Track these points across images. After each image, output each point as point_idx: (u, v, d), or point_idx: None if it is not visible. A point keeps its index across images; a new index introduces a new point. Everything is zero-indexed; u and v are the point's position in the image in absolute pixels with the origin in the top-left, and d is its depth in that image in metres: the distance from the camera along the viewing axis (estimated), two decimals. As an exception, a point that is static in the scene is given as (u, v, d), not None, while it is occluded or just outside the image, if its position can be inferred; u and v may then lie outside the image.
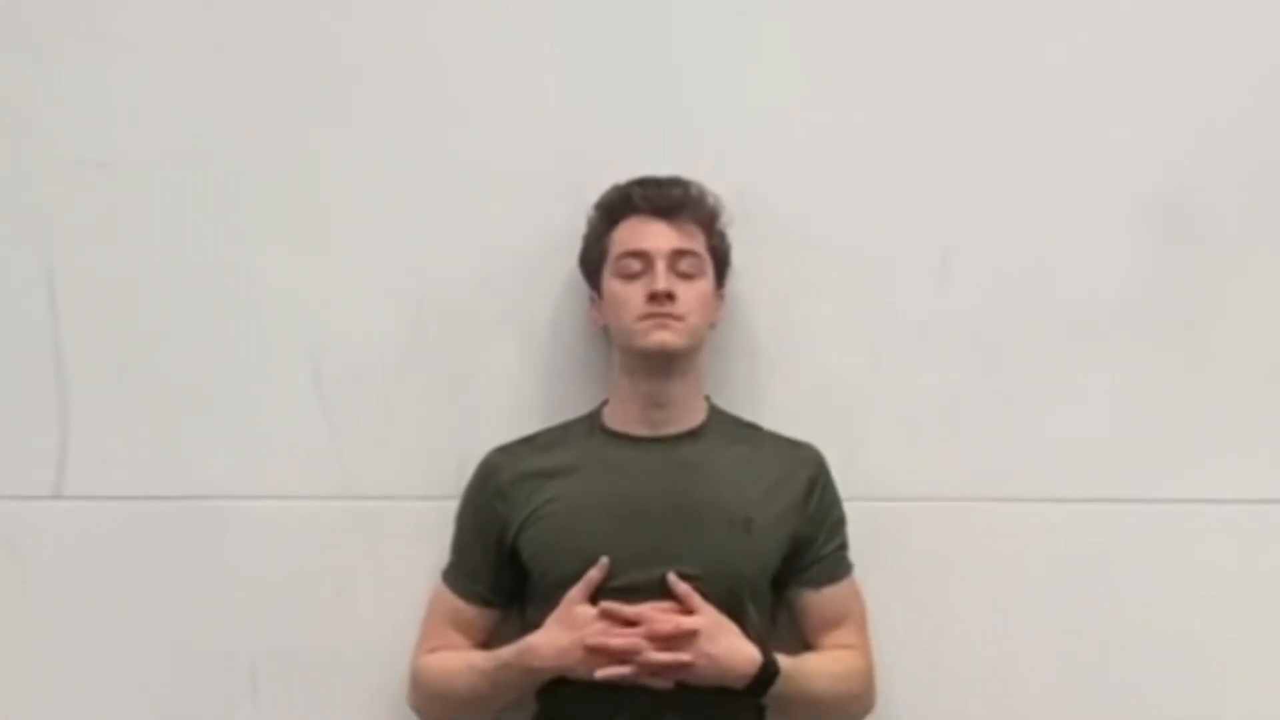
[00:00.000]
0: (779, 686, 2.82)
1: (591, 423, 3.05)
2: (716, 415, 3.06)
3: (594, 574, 2.79)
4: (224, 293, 3.22)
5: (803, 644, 2.98)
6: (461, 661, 2.98)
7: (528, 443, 3.06)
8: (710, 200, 2.98)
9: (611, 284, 2.92)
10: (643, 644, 2.72)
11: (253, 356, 3.23)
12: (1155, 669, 3.20)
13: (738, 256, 3.07)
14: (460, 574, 3.03)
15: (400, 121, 3.22)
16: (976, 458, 3.21)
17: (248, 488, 3.21)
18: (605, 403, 3.05)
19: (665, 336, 2.83)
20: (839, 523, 3.04)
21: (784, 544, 2.94)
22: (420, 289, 3.21)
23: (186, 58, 3.20)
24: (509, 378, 3.22)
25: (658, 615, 2.75)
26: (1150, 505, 3.19)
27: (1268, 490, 3.18)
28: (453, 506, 3.07)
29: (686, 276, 2.90)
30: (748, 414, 3.12)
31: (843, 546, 3.04)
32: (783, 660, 2.82)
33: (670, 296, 2.84)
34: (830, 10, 3.23)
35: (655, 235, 2.91)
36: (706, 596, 2.80)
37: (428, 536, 3.13)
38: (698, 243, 2.94)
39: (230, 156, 3.20)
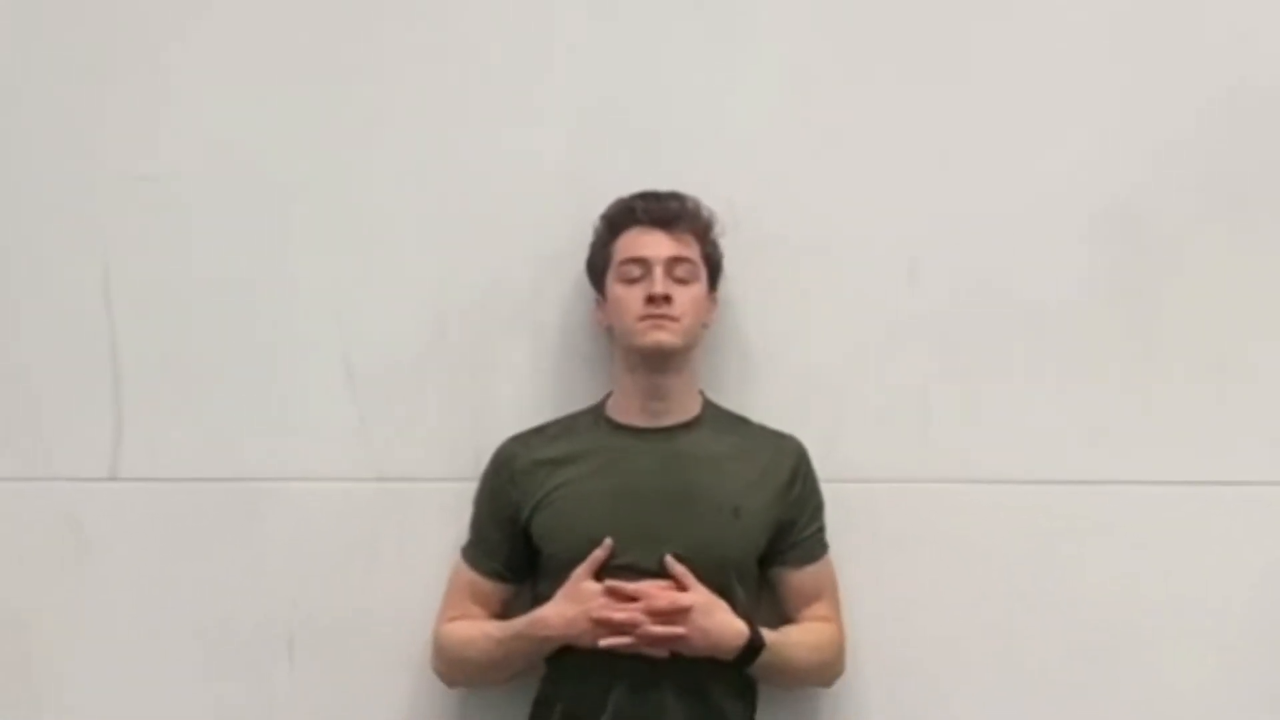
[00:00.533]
0: (763, 658, 2.85)
1: (596, 414, 3.06)
2: (710, 408, 3.07)
3: (599, 554, 2.83)
4: (264, 294, 3.22)
5: (781, 615, 3.02)
6: (479, 630, 2.99)
7: (538, 433, 3.07)
8: (704, 212, 2.98)
9: (614, 288, 2.93)
10: (642, 618, 2.75)
11: (290, 351, 3.22)
12: (1107, 636, 3.20)
13: (729, 262, 3.08)
14: (478, 551, 3.04)
15: (424, 143, 3.22)
16: (943, 443, 3.20)
17: (285, 470, 3.22)
18: (609, 395, 3.07)
19: (662, 337, 2.85)
20: (818, 508, 3.06)
21: (768, 528, 2.97)
22: (442, 292, 3.21)
23: (231, 85, 3.21)
24: (521, 372, 3.22)
25: (656, 592, 2.79)
26: (1099, 486, 3.19)
27: (1207, 473, 3.17)
28: (471, 488, 3.08)
29: (682, 281, 2.92)
30: (737, 406, 3.13)
31: (820, 529, 3.06)
32: (767, 634, 2.86)
33: (667, 299, 2.85)
34: (809, 40, 3.24)
35: (654, 244, 2.92)
36: (698, 575, 2.83)
37: (448, 515, 3.13)
38: (692, 250, 2.95)
39: (270, 173, 3.20)
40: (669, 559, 2.82)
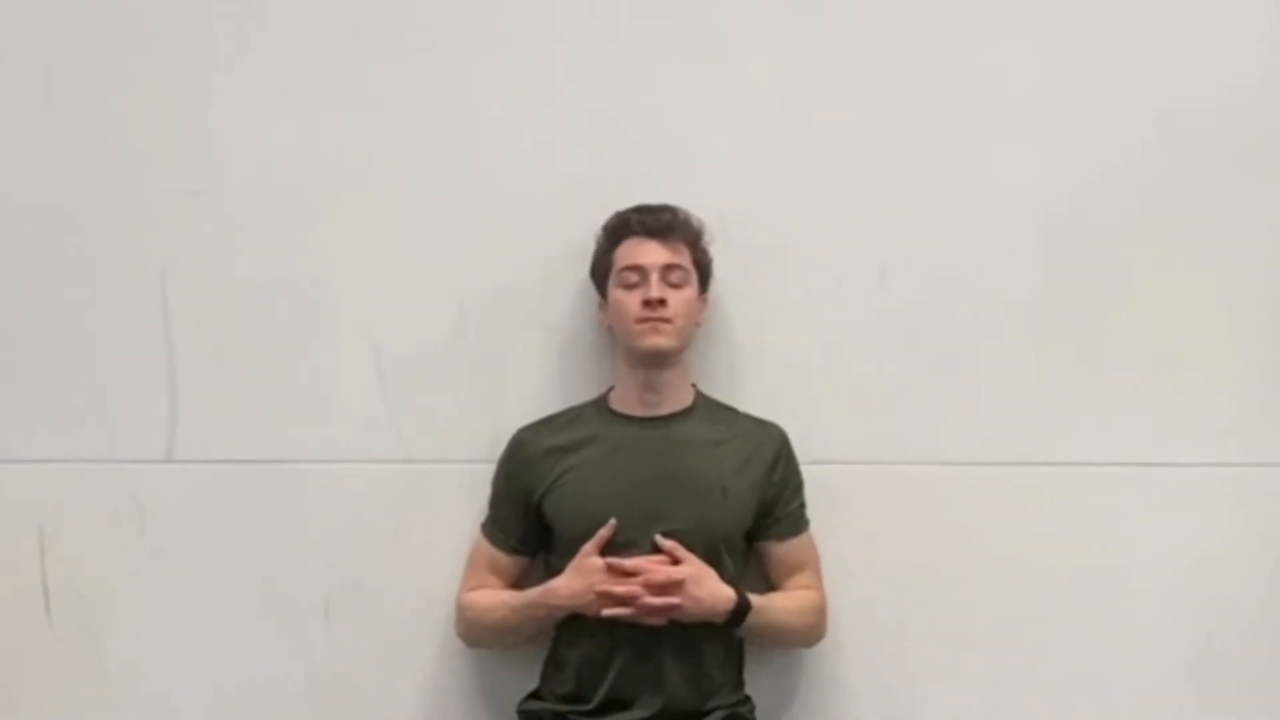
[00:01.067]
0: (750, 620, 2.90)
1: (599, 405, 3.10)
2: (701, 399, 3.10)
3: (603, 533, 2.87)
4: (302, 295, 3.23)
5: (768, 584, 3.06)
6: (496, 599, 3.04)
7: (548, 422, 3.10)
8: (694, 222, 3.02)
9: (615, 292, 2.96)
10: (640, 591, 2.81)
11: (326, 347, 3.23)
12: (1057, 601, 3.24)
13: (718, 267, 3.08)
14: (495, 528, 3.07)
15: (446, 160, 3.22)
16: (910, 429, 3.24)
17: (322, 453, 3.22)
18: (611, 388, 3.09)
19: (658, 340, 2.89)
20: (798, 488, 3.09)
21: (753, 507, 3.00)
22: (462, 293, 3.21)
23: (272, 111, 3.23)
24: (533, 365, 3.24)
25: (652, 567, 2.84)
26: (1049, 467, 3.23)
27: (1146, 455, 3.21)
28: (488, 469, 3.10)
29: (675, 286, 2.93)
30: (726, 396, 3.15)
31: (801, 506, 3.09)
32: (754, 599, 2.91)
33: (662, 303, 2.88)
34: (791, 69, 3.24)
35: (649, 253, 2.94)
36: (691, 549, 2.87)
37: (467, 493, 3.16)
38: (684, 258, 2.98)
39: (307, 188, 3.22)
40: (658, 538, 2.87)
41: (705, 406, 3.08)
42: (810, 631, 3.07)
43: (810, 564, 3.08)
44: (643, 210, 2.98)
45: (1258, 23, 3.16)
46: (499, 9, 3.19)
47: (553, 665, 3.00)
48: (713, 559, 2.88)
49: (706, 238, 3.03)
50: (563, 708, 2.94)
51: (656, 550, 2.85)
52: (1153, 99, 3.18)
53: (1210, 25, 3.18)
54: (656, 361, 2.93)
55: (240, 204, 3.19)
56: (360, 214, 3.20)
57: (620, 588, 2.79)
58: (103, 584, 3.19)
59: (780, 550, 3.04)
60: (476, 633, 3.08)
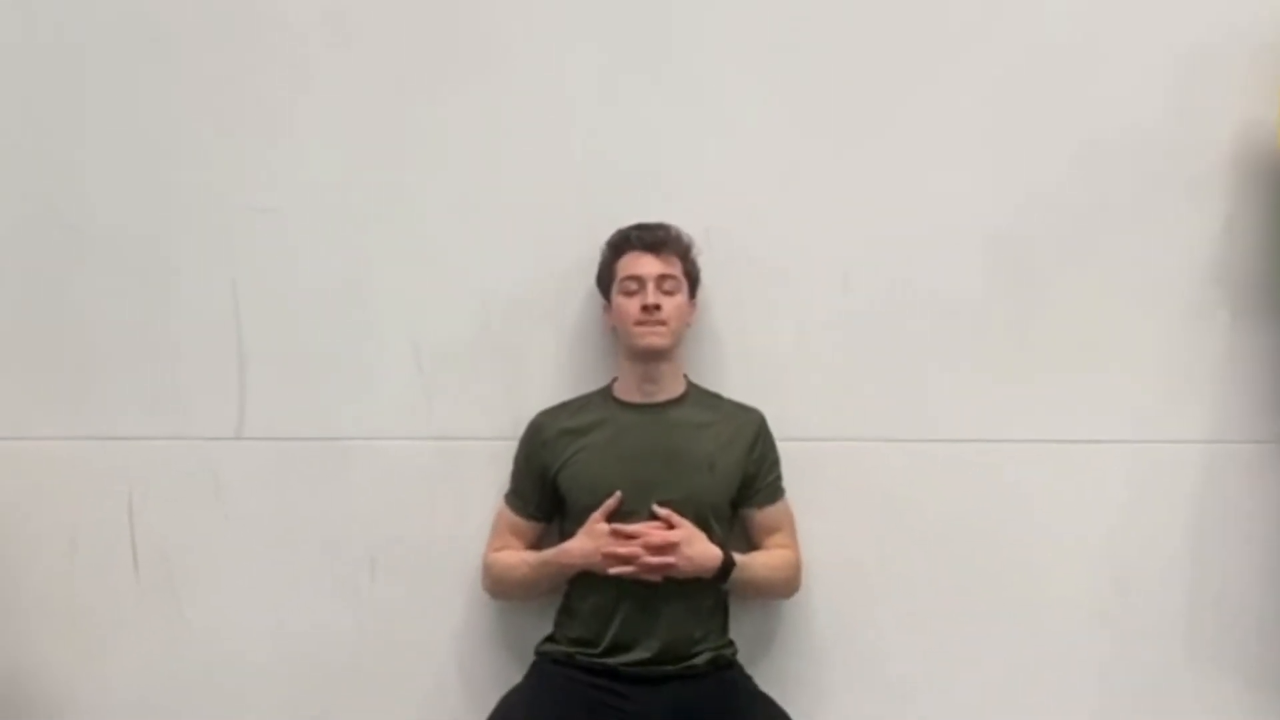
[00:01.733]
0: (735, 575, 2.97)
1: (605, 394, 3.14)
2: (692, 388, 3.16)
3: (610, 503, 2.94)
4: (352, 296, 3.27)
5: (750, 545, 3.12)
6: (518, 558, 3.10)
7: (563, 408, 3.15)
8: (684, 237, 3.08)
9: (617, 299, 3.02)
10: (641, 551, 2.86)
11: (371, 341, 3.27)
12: (995, 557, 3.28)
13: (705, 275, 3.13)
14: (516, 498, 3.14)
15: (475, 184, 3.25)
16: (869, 412, 3.27)
17: (368, 431, 3.27)
18: (614, 379, 3.15)
19: (654, 340, 2.96)
20: (775, 462, 3.15)
21: (737, 479, 3.06)
22: (487, 298, 3.25)
23: (328, 140, 3.25)
24: (548, 358, 3.26)
25: (651, 531, 2.90)
26: (989, 443, 3.26)
27: (1073, 433, 3.25)
28: (510, 446, 3.15)
29: (668, 293, 2.99)
30: (712, 385, 3.20)
31: (778, 478, 3.15)
32: (738, 557, 2.99)
33: (658, 308, 2.95)
34: (765, 109, 3.27)
35: (646, 264, 3.00)
36: (684, 516, 2.93)
37: (493, 467, 3.19)
38: (676, 269, 3.04)
39: (358, 206, 3.25)
40: (656, 507, 2.93)
41: (695, 394, 3.13)
42: (787, 585, 3.13)
43: (786, 527, 3.13)
44: (640, 228, 3.04)
45: (1160, 71, 3.20)
46: (519, 61, 3.23)
47: (565, 614, 3.05)
48: (702, 524, 2.94)
49: (695, 251, 3.08)
50: (574, 650, 2.97)
51: (654, 517, 2.91)
52: (1073, 133, 3.23)
53: (1121, 71, 3.22)
54: (653, 357, 3.00)
55: (300, 220, 3.23)
56: (401, 230, 3.23)
57: (624, 549, 2.86)
58: (182, 545, 3.24)
59: (760, 515, 3.10)
60: (501, 587, 3.14)
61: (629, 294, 2.98)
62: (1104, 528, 3.29)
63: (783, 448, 3.14)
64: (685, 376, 3.14)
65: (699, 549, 2.90)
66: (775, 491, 3.13)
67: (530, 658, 3.09)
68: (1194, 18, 3.20)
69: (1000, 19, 3.24)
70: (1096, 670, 3.30)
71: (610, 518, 2.93)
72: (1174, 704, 3.30)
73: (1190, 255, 3.25)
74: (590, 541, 2.92)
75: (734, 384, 3.21)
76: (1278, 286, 3.23)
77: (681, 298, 3.02)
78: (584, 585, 3.00)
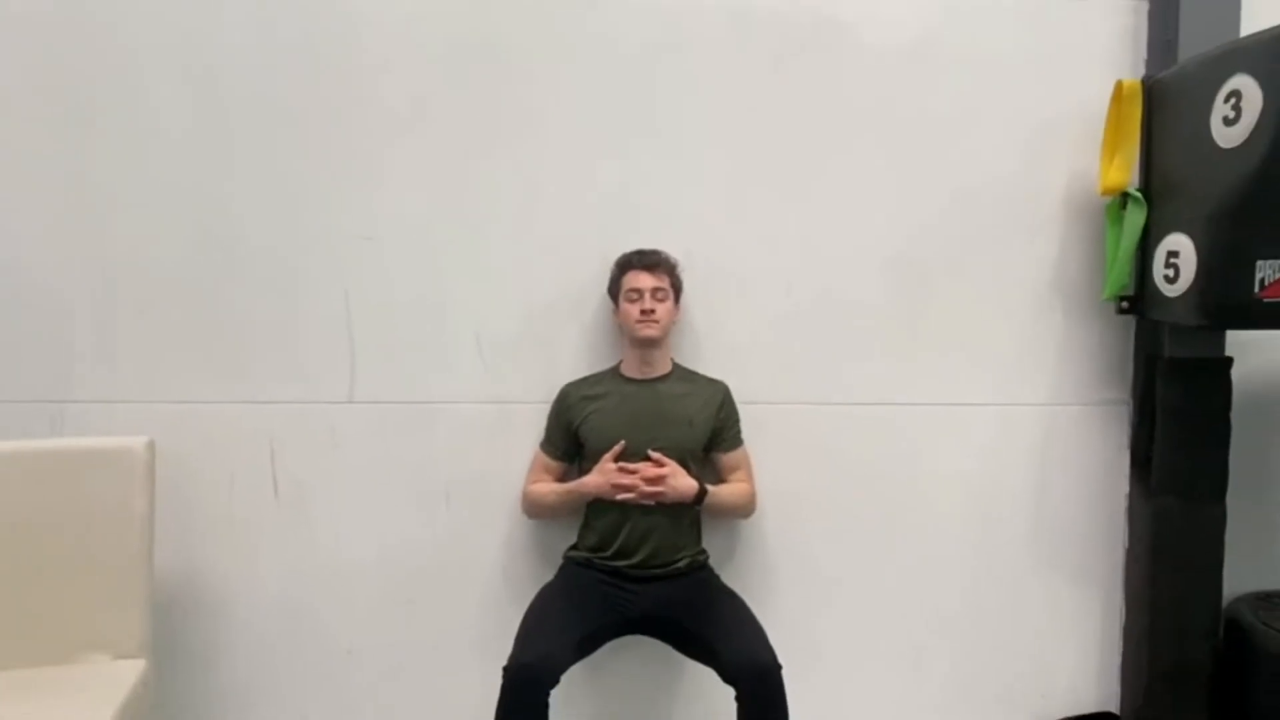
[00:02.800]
0: (707, 501, 3.15)
1: (614, 371, 3.31)
2: (676, 367, 3.34)
3: (616, 449, 3.11)
4: (432, 301, 3.34)
5: (718, 479, 3.28)
6: (549, 489, 3.26)
7: (583, 381, 3.31)
8: (671, 259, 3.24)
9: (623, 304, 3.20)
10: (639, 483, 3.04)
11: (447, 333, 3.36)
12: (901, 489, 3.47)
13: (686, 286, 3.29)
14: (549, 445, 3.31)
15: (521, 219, 3.29)
16: (804, 382, 3.41)
17: (444, 396, 3.38)
18: (621, 360, 3.30)
19: (649, 333, 3.15)
20: (736, 420, 3.33)
21: (708, 432, 3.24)
22: (529, 302, 3.37)
23: (416, 181, 3.27)
24: (574, 345, 3.39)
25: (646, 469, 3.07)
26: (893, 406, 3.41)
27: (951, 398, 3.42)
28: (547, 407, 3.28)
29: (660, 299, 3.16)
30: (691, 364, 3.36)
31: (738, 431, 3.33)
32: (710, 488, 3.17)
33: (652, 311, 3.13)
34: (731, 166, 3.34)
35: (644, 279, 3.17)
36: (670, 458, 3.09)
37: (534, 423, 3.34)
38: (665, 282, 3.21)
39: (437, 234, 3.30)
40: (650, 452, 3.09)
41: (678, 371, 3.29)
42: (745, 509, 3.31)
43: (744, 466, 3.31)
44: (640, 253, 3.20)
45: (1014, 138, 3.33)
46: (550, 130, 3.25)
47: (585, 529, 3.22)
48: (683, 464, 3.10)
49: (679, 268, 3.24)
50: (591, 555, 3.14)
51: (648, 458, 3.06)
52: (950, 182, 3.36)
53: (984, 138, 3.33)
54: (648, 346, 3.17)
55: (393, 246, 3.29)
56: (466, 253, 3.31)
57: (627, 481, 3.03)
58: (310, 480, 3.35)
59: (725, 458, 3.28)
60: (536, 510, 3.29)
61: (631, 301, 3.14)
62: (972, 467, 3.49)
63: (741, 409, 3.31)
64: (671, 359, 3.29)
65: (681, 481, 3.06)
66: (736, 440, 3.29)
67: (559, 561, 3.28)
68: (1038, 100, 3.34)
69: (896, 102, 3.34)
70: (968, 571, 3.50)
71: (616, 460, 3.08)
72: (1021, 595, 3.52)
73: (1035, 270, 3.43)
74: (602, 476, 3.07)
75: (706, 364, 3.36)
76: (1097, 293, 3.40)
77: (669, 303, 3.17)
78: (598, 508, 3.17)
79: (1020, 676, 3.54)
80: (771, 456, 3.38)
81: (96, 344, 3.33)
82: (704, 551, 3.24)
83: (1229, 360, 3.18)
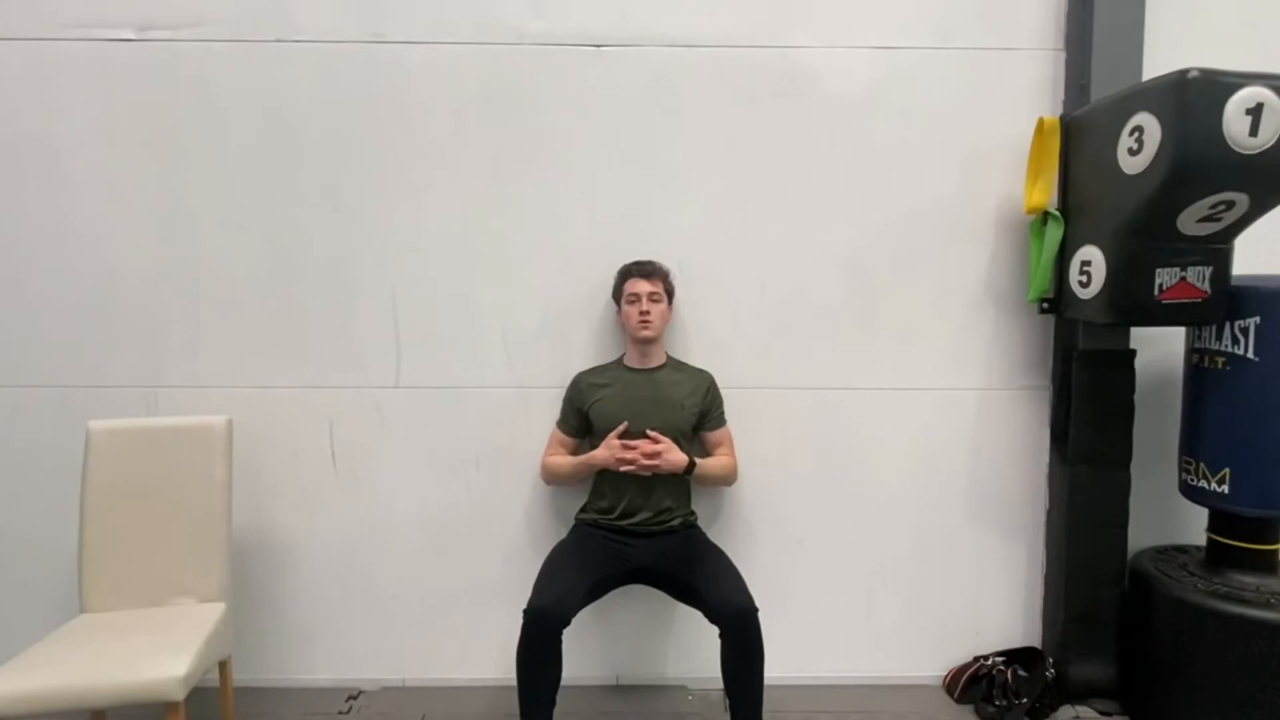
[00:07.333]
0: (696, 472, 3.14)
1: (618, 362, 3.29)
2: (670, 358, 3.31)
3: (620, 428, 3.09)
4: (466, 302, 3.35)
5: (705, 453, 3.27)
6: (563, 460, 3.24)
7: (592, 370, 3.30)
8: (665, 268, 3.23)
9: (625, 306, 3.19)
10: (639, 457, 3.02)
11: (477, 329, 3.35)
12: (857, 462, 3.43)
13: (678, 290, 3.29)
14: (564, 423, 3.29)
15: (540, 235, 3.28)
16: (778, 371, 3.37)
17: (475, 382, 3.37)
18: (624, 354, 3.28)
19: (646, 332, 3.14)
20: (720, 403, 3.30)
21: (696, 414, 3.22)
22: (547, 303, 3.35)
23: (452, 203, 3.27)
24: (585, 340, 3.36)
25: (645, 444, 3.05)
26: (851, 390, 3.37)
27: (900, 383, 3.36)
28: (562, 392, 3.27)
29: (655, 302, 3.15)
30: (681, 356, 3.34)
31: (722, 413, 3.31)
32: (698, 461, 3.15)
33: (648, 313, 3.12)
34: (715, 186, 3.31)
35: (642, 286, 3.15)
36: (665, 435, 3.07)
37: (551, 405, 3.33)
38: (660, 288, 3.20)
39: (471, 247, 3.30)
40: (648, 431, 3.07)
41: (672, 363, 3.25)
42: (728, 479, 3.27)
43: (727, 443, 3.28)
44: (638, 263, 3.19)
45: (953, 164, 3.28)
46: (565, 157, 3.21)
47: (594, 494, 3.20)
48: (676, 441, 3.08)
49: (672, 275, 3.23)
50: (599, 516, 3.12)
51: (647, 436, 3.03)
52: (898, 202, 3.30)
53: (928, 164, 3.27)
54: (646, 342, 3.15)
55: (434, 255, 3.28)
56: (495, 262, 3.27)
57: (628, 454, 3.01)
58: (362, 452, 3.36)
59: (711, 436, 3.26)
60: (553, 478, 3.25)
61: (631, 303, 3.13)
62: (918, 441, 3.43)
63: (724, 394, 3.27)
64: (666, 352, 3.26)
65: (674, 455, 3.04)
66: (720, 421, 3.27)
67: (571, 522, 3.25)
68: (973, 133, 3.28)
69: (854, 136, 3.26)
70: (913, 528, 3.46)
71: (620, 437, 3.05)
72: (958, 548, 3.47)
73: (970, 276, 3.37)
74: (608, 451, 3.04)
75: (695, 355, 3.33)
76: (1023, 295, 3.36)
77: (664, 305, 3.15)
78: (604, 477, 3.16)
79: (957, 617, 3.50)
80: (750, 434, 3.35)
81: (185, 338, 3.35)
82: (693, 513, 3.21)
83: (1133, 352, 3.19)
